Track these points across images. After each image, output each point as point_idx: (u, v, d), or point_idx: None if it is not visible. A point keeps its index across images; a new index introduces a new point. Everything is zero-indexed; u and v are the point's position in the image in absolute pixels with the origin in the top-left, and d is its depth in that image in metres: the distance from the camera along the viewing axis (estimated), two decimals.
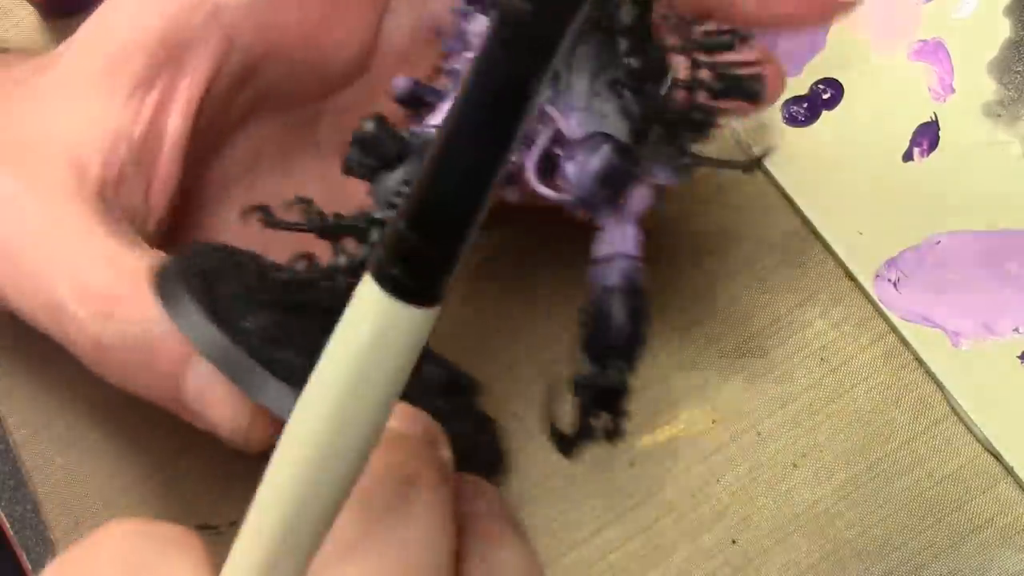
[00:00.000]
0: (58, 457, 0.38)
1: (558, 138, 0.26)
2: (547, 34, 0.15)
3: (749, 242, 0.38)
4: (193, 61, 0.31)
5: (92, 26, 0.32)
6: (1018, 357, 0.35)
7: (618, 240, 0.28)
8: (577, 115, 0.26)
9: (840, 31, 0.39)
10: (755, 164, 0.27)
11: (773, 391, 0.36)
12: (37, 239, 0.29)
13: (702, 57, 0.27)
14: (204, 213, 0.34)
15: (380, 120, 0.26)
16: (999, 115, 0.37)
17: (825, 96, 0.38)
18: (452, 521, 0.21)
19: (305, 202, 0.26)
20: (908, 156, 0.37)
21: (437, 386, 0.29)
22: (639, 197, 0.28)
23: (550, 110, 0.26)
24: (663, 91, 0.26)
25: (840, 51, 0.39)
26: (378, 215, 0.26)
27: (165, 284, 0.26)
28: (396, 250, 0.16)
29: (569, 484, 0.36)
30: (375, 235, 0.25)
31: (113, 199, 0.30)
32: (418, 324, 0.17)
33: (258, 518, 0.18)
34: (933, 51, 0.38)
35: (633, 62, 0.26)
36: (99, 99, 0.30)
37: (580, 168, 0.26)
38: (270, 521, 0.18)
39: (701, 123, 0.27)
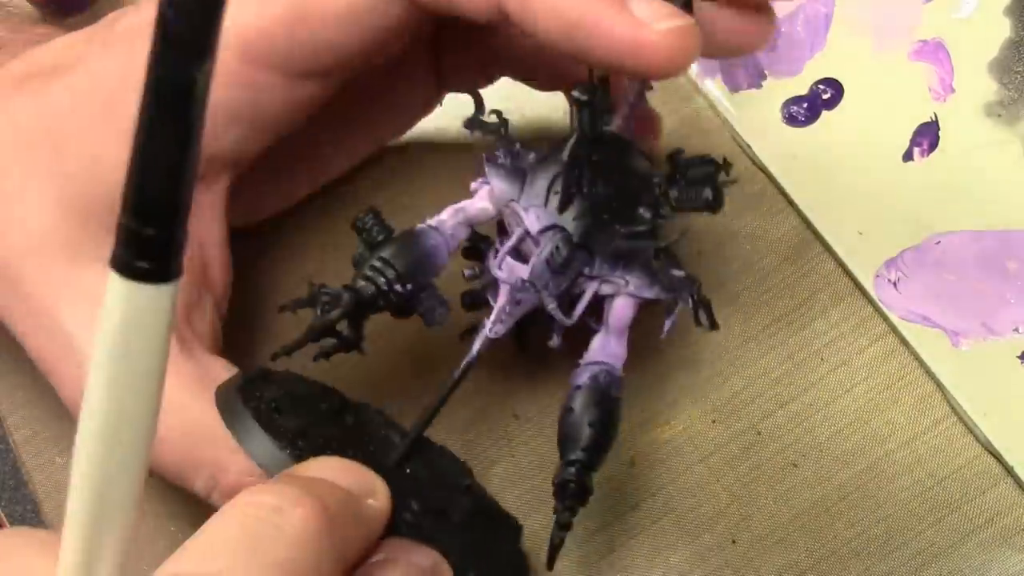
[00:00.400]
0: (58, 457, 0.38)
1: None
2: (196, 37, 0.18)
3: (749, 242, 0.38)
4: (203, 185, 0.31)
5: (83, 163, 0.30)
6: (1018, 357, 0.35)
7: (598, 349, 0.30)
8: (536, 211, 0.29)
9: (840, 31, 0.39)
10: (717, 203, 0.29)
11: (773, 391, 0.36)
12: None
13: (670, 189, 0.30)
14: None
15: (375, 213, 0.30)
16: (999, 115, 0.37)
17: (825, 96, 0.39)
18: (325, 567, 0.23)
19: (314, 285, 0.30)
20: (908, 156, 0.37)
21: (477, 519, 0.31)
22: (620, 309, 0.30)
23: (515, 207, 0.29)
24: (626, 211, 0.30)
25: (840, 51, 0.39)
26: (355, 283, 0.30)
27: (227, 402, 0.29)
28: (125, 240, 0.18)
29: None
30: (346, 298, 0.29)
31: (189, 332, 0.31)
32: (160, 299, 0.19)
33: (70, 505, 0.21)
34: (933, 51, 0.38)
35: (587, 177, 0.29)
36: None
37: (536, 256, 0.29)
38: (77, 504, 0.21)
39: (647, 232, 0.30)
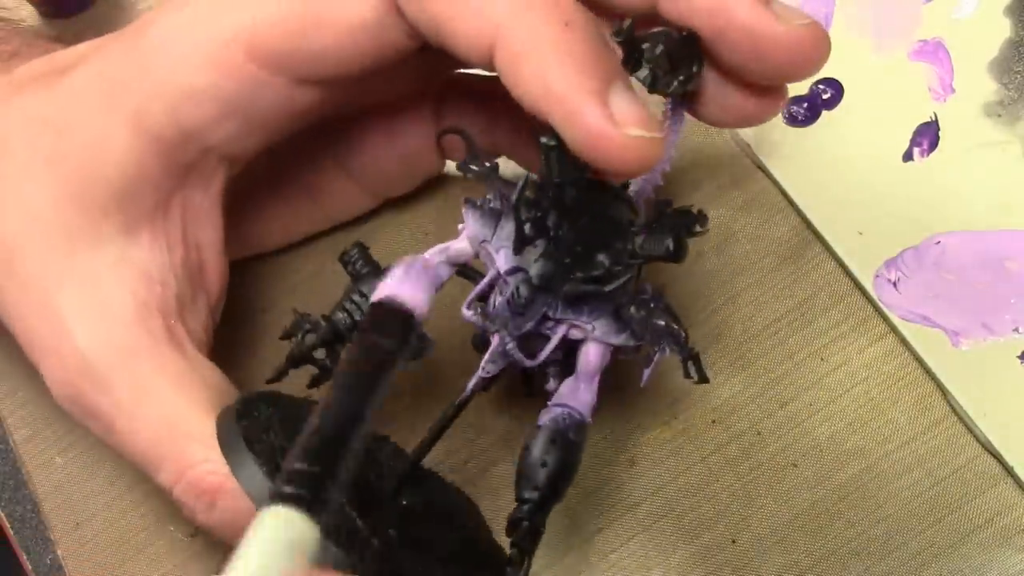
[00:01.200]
0: (58, 457, 0.38)
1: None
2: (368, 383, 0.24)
3: (749, 242, 0.38)
4: (199, 179, 0.31)
5: (87, 148, 0.30)
6: (1018, 357, 0.35)
7: (566, 393, 0.30)
8: (505, 252, 0.29)
9: (840, 31, 0.39)
10: (678, 254, 0.29)
11: (773, 391, 0.36)
12: (128, 417, 0.30)
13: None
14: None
15: (361, 247, 0.31)
16: (999, 115, 0.37)
17: (825, 96, 0.38)
18: None
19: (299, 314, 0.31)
20: (908, 156, 0.37)
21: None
22: (589, 355, 0.30)
23: (488, 247, 0.29)
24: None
25: (840, 51, 0.39)
26: (334, 314, 0.31)
27: (226, 435, 0.29)
28: (289, 478, 0.22)
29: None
30: (323, 328, 0.31)
31: (182, 331, 0.31)
32: (308, 530, 0.21)
33: None
34: (933, 51, 0.38)
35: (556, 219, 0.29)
36: (121, 236, 0.30)
37: (499, 297, 0.29)
38: None
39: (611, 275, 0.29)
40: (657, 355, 0.30)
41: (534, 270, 0.29)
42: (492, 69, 0.27)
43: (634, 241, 0.29)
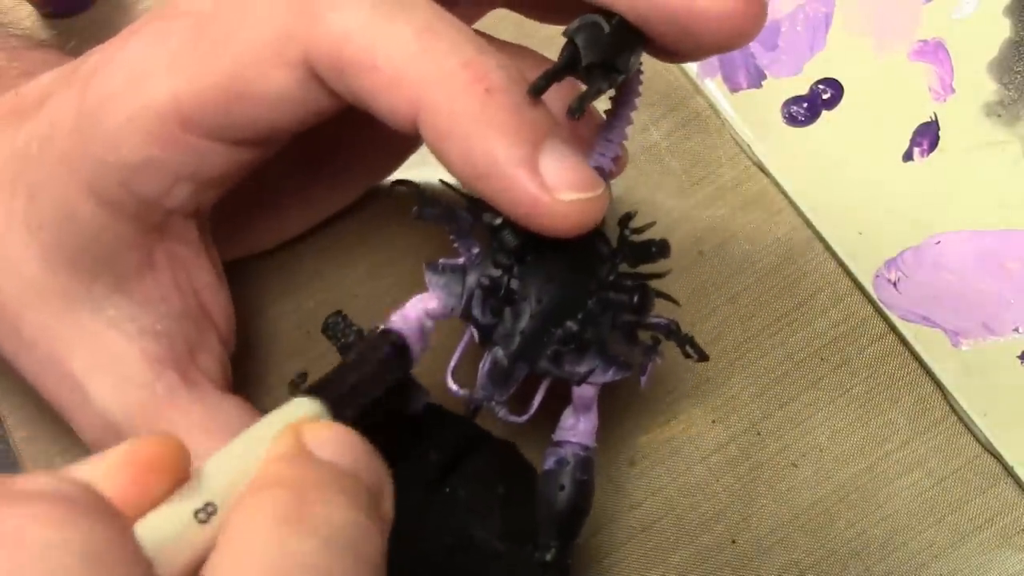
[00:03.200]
0: (58, 457, 0.38)
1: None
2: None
3: (749, 242, 0.38)
4: (174, 233, 0.31)
5: (58, 214, 0.30)
6: (1018, 357, 0.35)
7: (567, 429, 0.30)
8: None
9: (840, 31, 0.39)
10: (643, 308, 0.29)
11: (773, 391, 0.36)
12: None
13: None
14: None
15: (343, 316, 0.31)
16: (999, 115, 0.37)
17: (825, 96, 0.38)
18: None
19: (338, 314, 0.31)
20: (908, 156, 0.37)
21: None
22: (582, 390, 0.30)
23: (458, 316, 0.29)
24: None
25: (840, 51, 0.39)
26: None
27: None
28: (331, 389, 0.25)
29: None
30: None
31: (197, 372, 0.31)
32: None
33: None
34: (933, 51, 0.38)
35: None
36: (118, 297, 0.30)
37: (481, 365, 0.29)
38: None
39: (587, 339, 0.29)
40: (651, 364, 0.30)
41: (505, 346, 0.28)
42: (416, 133, 0.27)
43: (606, 295, 0.29)
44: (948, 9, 0.39)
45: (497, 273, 0.29)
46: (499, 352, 0.29)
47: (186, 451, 0.22)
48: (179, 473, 0.21)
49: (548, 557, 0.29)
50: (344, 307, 0.36)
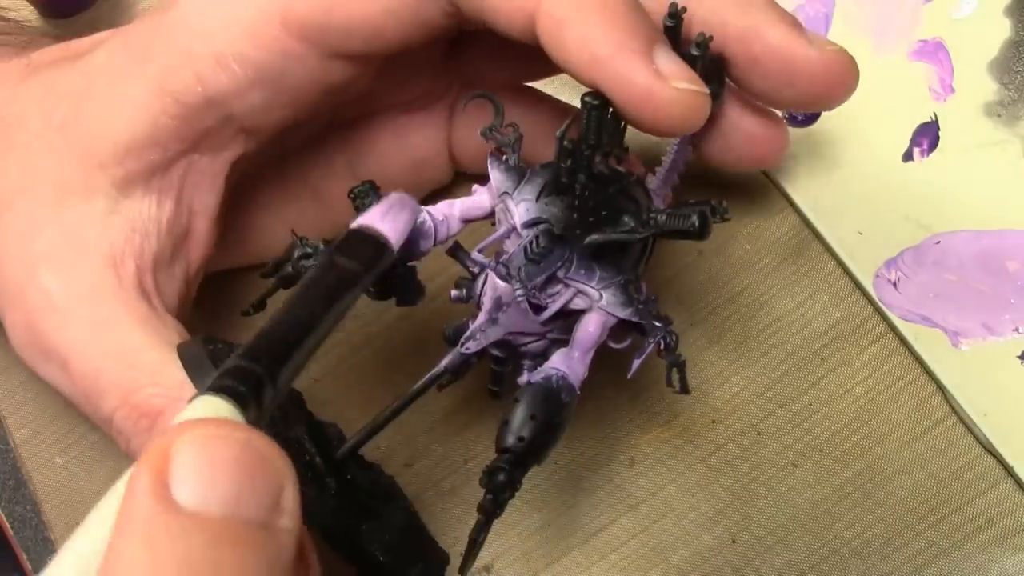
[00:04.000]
0: (58, 457, 0.38)
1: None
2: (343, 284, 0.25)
3: (749, 242, 0.38)
4: (211, 146, 0.31)
5: (99, 111, 0.30)
6: (1018, 357, 0.35)
7: (559, 359, 0.29)
8: (526, 204, 0.29)
9: (840, 31, 0.39)
10: (703, 231, 0.29)
11: (773, 391, 0.36)
12: (82, 349, 0.29)
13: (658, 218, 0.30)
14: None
15: (372, 184, 0.30)
16: (999, 115, 0.37)
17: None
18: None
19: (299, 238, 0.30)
20: (908, 156, 0.37)
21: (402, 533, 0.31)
22: (589, 325, 0.29)
23: (507, 200, 0.29)
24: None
25: None
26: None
27: (190, 355, 0.28)
28: (228, 372, 0.21)
29: (569, 484, 0.36)
30: (322, 250, 0.29)
31: (153, 288, 0.31)
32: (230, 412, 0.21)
33: None
34: (933, 51, 0.38)
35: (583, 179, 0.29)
36: (115, 189, 0.30)
37: (517, 246, 0.29)
38: None
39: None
40: (649, 346, 0.30)
41: (556, 218, 0.29)
42: (533, 40, 0.28)
43: (657, 218, 0.29)
44: (948, 9, 0.39)
45: (574, 165, 0.29)
46: (542, 231, 0.28)
47: None
48: None
49: (503, 461, 0.28)
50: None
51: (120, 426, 0.29)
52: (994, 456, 0.35)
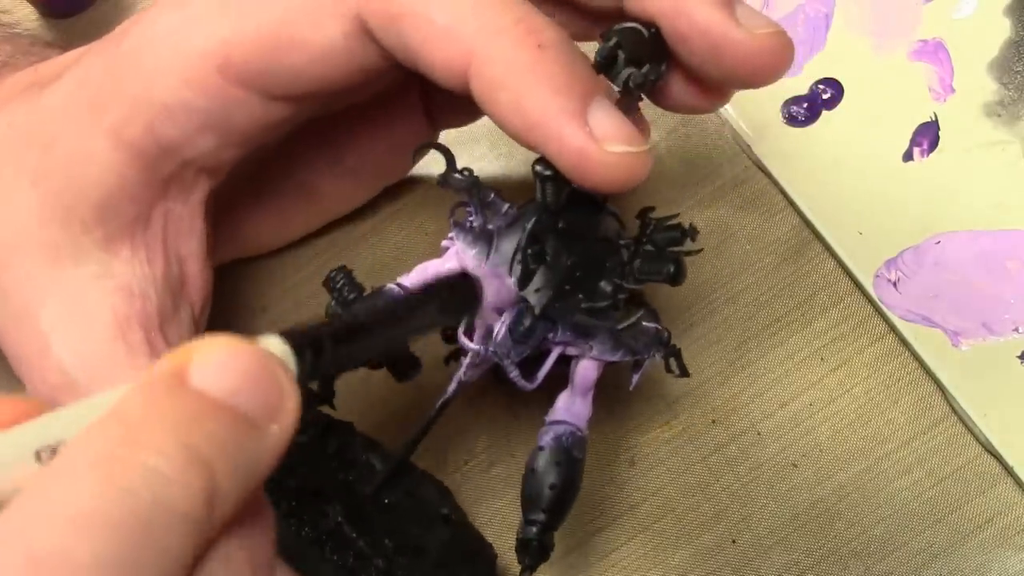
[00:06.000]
0: None
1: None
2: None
3: (749, 242, 0.38)
4: (180, 189, 0.31)
5: (68, 164, 0.30)
6: (1018, 357, 0.35)
7: (563, 409, 0.31)
8: (498, 284, 0.29)
9: (840, 31, 0.39)
10: (677, 278, 0.30)
11: (773, 391, 0.36)
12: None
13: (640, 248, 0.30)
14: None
15: (347, 272, 0.31)
16: (999, 115, 0.37)
17: (825, 96, 0.38)
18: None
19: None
20: (908, 156, 0.37)
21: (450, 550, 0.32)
22: (585, 371, 0.30)
23: (480, 274, 0.30)
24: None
25: (840, 51, 0.39)
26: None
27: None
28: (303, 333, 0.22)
29: None
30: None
31: (162, 343, 0.31)
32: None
33: None
34: (933, 51, 0.38)
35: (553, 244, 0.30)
36: (100, 251, 0.30)
37: (499, 326, 0.29)
38: None
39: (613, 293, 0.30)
40: (647, 361, 0.31)
41: (535, 299, 0.29)
42: (469, 94, 0.27)
43: (631, 265, 0.30)
44: (948, 9, 0.39)
45: (539, 226, 0.29)
46: (526, 306, 0.29)
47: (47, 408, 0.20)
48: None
49: (534, 534, 0.29)
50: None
51: None
52: (994, 456, 0.35)
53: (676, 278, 0.29)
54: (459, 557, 0.32)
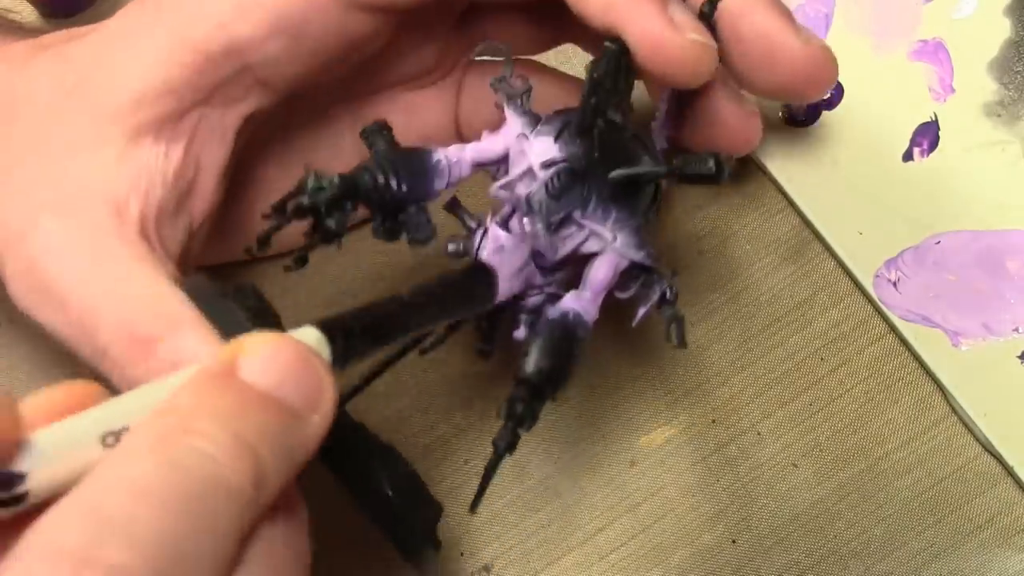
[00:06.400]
0: None
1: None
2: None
3: (749, 242, 0.38)
4: (225, 99, 0.31)
5: (113, 66, 0.30)
6: (1018, 357, 0.35)
7: (572, 300, 0.29)
8: (545, 141, 0.29)
9: (840, 31, 0.39)
10: (720, 174, 0.29)
11: (773, 391, 0.36)
12: (81, 285, 0.29)
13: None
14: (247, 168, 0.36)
15: (386, 127, 0.31)
16: (999, 115, 0.37)
17: (825, 96, 0.38)
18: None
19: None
20: (908, 156, 0.37)
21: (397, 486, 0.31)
22: (602, 267, 0.30)
23: (524, 142, 0.30)
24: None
25: (840, 51, 0.39)
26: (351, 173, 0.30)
27: (199, 288, 0.29)
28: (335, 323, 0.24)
29: (569, 484, 0.36)
30: (336, 182, 0.29)
31: (155, 235, 0.30)
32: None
33: None
34: (933, 51, 0.38)
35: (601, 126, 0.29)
36: (125, 138, 0.30)
37: (536, 184, 0.29)
38: None
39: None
40: (655, 296, 0.30)
41: (576, 157, 0.29)
42: None
43: (675, 160, 0.29)
44: (948, 9, 0.39)
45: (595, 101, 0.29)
46: (562, 169, 0.29)
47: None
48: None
49: (520, 408, 0.28)
50: (343, 307, 0.36)
51: (114, 355, 0.28)
52: (994, 456, 0.35)
53: (719, 172, 0.29)
54: (414, 491, 0.31)
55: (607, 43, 0.28)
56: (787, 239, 0.38)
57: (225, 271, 0.37)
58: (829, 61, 0.31)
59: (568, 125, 0.30)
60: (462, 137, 0.37)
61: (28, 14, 0.43)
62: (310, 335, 0.23)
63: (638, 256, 0.30)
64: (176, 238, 0.32)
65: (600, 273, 0.30)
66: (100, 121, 0.30)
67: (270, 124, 0.33)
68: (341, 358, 0.24)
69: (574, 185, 0.29)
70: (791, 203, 0.38)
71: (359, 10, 0.30)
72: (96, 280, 0.29)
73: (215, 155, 0.32)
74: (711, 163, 0.28)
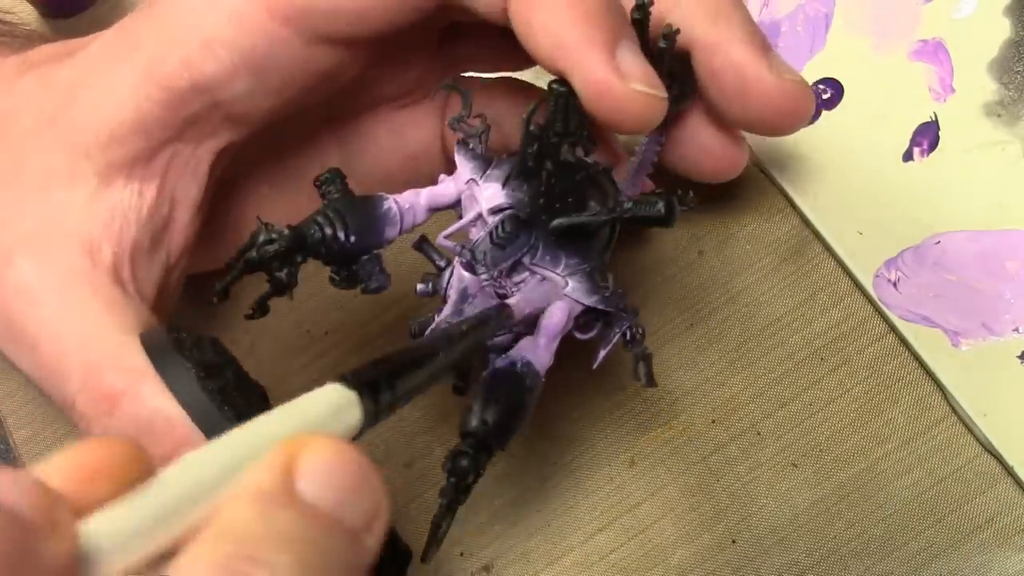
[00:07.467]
0: None
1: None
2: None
3: (749, 242, 0.38)
4: (197, 134, 0.31)
5: (88, 100, 0.30)
6: (1018, 357, 0.35)
7: (525, 346, 0.29)
8: (492, 188, 0.29)
9: (840, 31, 0.39)
10: (669, 218, 0.29)
11: (773, 391, 0.36)
12: (51, 331, 0.29)
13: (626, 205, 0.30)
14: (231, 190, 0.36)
15: (340, 175, 0.30)
16: (999, 115, 0.37)
17: (825, 96, 0.38)
18: None
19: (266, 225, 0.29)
20: (908, 156, 0.37)
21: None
22: (554, 314, 0.29)
23: (474, 187, 0.30)
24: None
25: (840, 51, 0.39)
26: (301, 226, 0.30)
27: (154, 343, 0.28)
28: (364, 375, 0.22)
29: (569, 484, 0.36)
30: (286, 235, 0.29)
31: (129, 276, 0.31)
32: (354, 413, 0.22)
33: None
34: (933, 51, 0.38)
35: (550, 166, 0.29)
36: (98, 177, 0.30)
37: (482, 232, 0.29)
38: None
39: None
40: (615, 336, 0.30)
41: (522, 204, 0.29)
42: (505, 22, 0.28)
43: (623, 204, 0.29)
44: (948, 9, 0.39)
45: (541, 146, 0.29)
46: (507, 216, 0.29)
47: (140, 453, 0.20)
48: (129, 476, 0.20)
49: (464, 462, 0.27)
50: (343, 307, 0.36)
51: (82, 409, 0.28)
52: (994, 456, 0.35)
53: (668, 216, 0.29)
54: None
55: (553, 85, 0.28)
56: (787, 239, 0.38)
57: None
58: (803, 96, 0.31)
59: (516, 169, 0.30)
60: (448, 152, 0.37)
61: (28, 14, 0.43)
62: (339, 392, 0.22)
63: (590, 301, 0.29)
64: (152, 276, 0.32)
65: (554, 319, 0.29)
66: (75, 156, 0.30)
67: (259, 146, 0.33)
68: (372, 415, 0.22)
69: (520, 232, 0.29)
70: (791, 203, 0.38)
71: (323, 44, 0.30)
72: (64, 328, 0.29)
73: (189, 190, 0.32)
74: (660, 206, 0.29)
